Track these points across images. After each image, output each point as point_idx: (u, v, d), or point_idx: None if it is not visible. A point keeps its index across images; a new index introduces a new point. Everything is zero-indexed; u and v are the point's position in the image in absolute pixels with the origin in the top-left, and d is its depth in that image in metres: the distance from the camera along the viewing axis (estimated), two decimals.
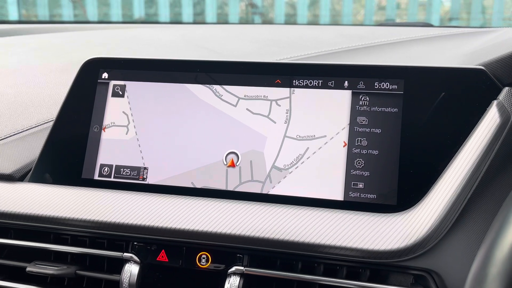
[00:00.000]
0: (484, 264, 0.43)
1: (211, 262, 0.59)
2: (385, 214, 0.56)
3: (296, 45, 1.01)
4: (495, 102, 0.58)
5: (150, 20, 4.13)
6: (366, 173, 0.59)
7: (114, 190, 0.63)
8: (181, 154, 0.64)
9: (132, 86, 0.68)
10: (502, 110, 0.57)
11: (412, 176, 0.57)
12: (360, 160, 0.59)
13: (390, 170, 0.58)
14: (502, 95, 0.58)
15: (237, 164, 0.62)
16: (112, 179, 0.65)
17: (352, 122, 0.61)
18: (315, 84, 0.63)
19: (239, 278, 0.57)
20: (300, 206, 0.58)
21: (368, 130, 0.60)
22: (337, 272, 0.57)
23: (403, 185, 0.57)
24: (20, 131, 0.74)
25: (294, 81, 0.63)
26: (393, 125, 0.59)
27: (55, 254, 0.65)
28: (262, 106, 0.63)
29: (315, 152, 0.61)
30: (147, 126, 0.66)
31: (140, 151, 0.65)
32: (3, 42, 1.23)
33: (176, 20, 4.05)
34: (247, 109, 0.64)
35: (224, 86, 0.65)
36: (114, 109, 0.67)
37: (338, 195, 0.59)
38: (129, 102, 0.67)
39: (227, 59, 0.67)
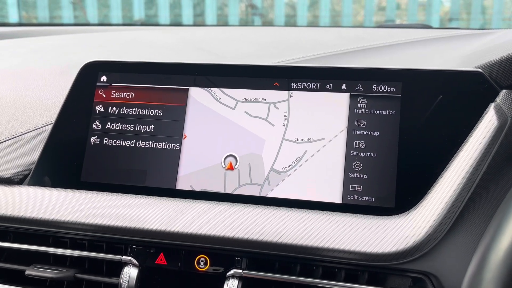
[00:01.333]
0: (479, 268, 0.43)
1: (209, 265, 0.59)
2: (383, 216, 0.56)
3: (295, 47, 1.01)
4: (492, 105, 0.58)
5: (150, 21, 4.14)
6: (364, 176, 0.59)
7: (113, 193, 0.63)
8: (179, 157, 0.64)
9: (130, 89, 0.68)
10: (499, 112, 0.57)
11: (410, 179, 0.57)
12: (358, 163, 0.59)
13: (388, 172, 0.58)
14: (499, 98, 0.58)
15: (236, 167, 0.62)
16: (110, 182, 0.65)
17: (350, 125, 0.61)
18: (313, 87, 0.63)
19: (237, 281, 0.57)
20: (299, 209, 0.58)
21: (366, 132, 0.60)
22: (336, 275, 0.57)
23: (401, 187, 0.57)
24: (19, 134, 0.74)
25: (292, 84, 0.63)
26: (391, 128, 0.59)
27: (54, 257, 0.65)
28: (260, 109, 0.64)
29: (313, 155, 0.61)
30: (146, 129, 0.66)
31: (139, 154, 0.65)
32: (3, 44, 1.23)
33: (176, 22, 4.06)
34: (245, 112, 0.64)
35: (223, 89, 0.65)
36: (113, 112, 0.68)
37: (337, 198, 0.59)
38: (128, 105, 0.67)
39: (225, 61, 0.67)
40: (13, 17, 4.02)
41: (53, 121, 0.70)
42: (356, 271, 0.57)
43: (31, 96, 0.84)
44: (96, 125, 0.68)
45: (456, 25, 3.85)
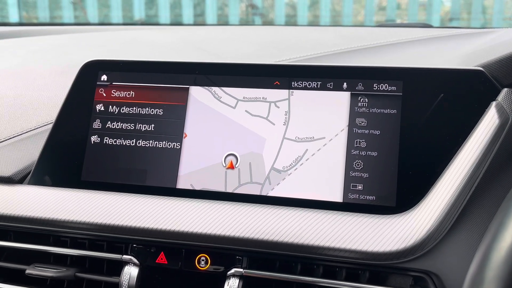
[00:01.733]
0: (481, 267, 0.43)
1: (210, 264, 0.59)
2: (384, 215, 0.56)
3: (295, 46, 1.01)
4: (494, 103, 0.58)
5: (150, 21, 4.14)
6: (365, 175, 0.59)
7: (113, 192, 0.63)
8: (180, 156, 0.64)
9: (131, 88, 0.68)
10: (501, 111, 0.57)
11: (411, 178, 0.57)
12: (359, 162, 0.59)
13: (389, 171, 0.58)
14: (501, 96, 0.58)
15: (236, 166, 0.62)
16: (111, 181, 0.65)
17: (351, 124, 0.61)
18: (314, 86, 0.63)
19: (238, 280, 0.57)
20: (299, 208, 0.58)
21: (367, 131, 0.60)
22: (336, 273, 0.57)
23: (402, 186, 0.57)
24: (20, 133, 0.74)
25: (293, 83, 0.63)
26: (392, 127, 0.59)
27: (54, 257, 0.65)
28: (261, 107, 0.63)
29: (314, 153, 0.61)
30: (146, 128, 0.66)
31: (139, 153, 0.65)
32: (3, 44, 1.23)
33: (176, 22, 4.05)
34: (246, 111, 0.64)
35: (223, 88, 0.65)
36: (113, 111, 0.67)
37: (337, 197, 0.59)
38: (128, 104, 0.67)
39: (226, 61, 0.67)
40: (14, 17, 4.02)
41: (54, 120, 0.70)
42: (357, 270, 0.57)
43: (32, 95, 0.84)
44: (97, 124, 0.68)
45: (456, 25, 3.85)
